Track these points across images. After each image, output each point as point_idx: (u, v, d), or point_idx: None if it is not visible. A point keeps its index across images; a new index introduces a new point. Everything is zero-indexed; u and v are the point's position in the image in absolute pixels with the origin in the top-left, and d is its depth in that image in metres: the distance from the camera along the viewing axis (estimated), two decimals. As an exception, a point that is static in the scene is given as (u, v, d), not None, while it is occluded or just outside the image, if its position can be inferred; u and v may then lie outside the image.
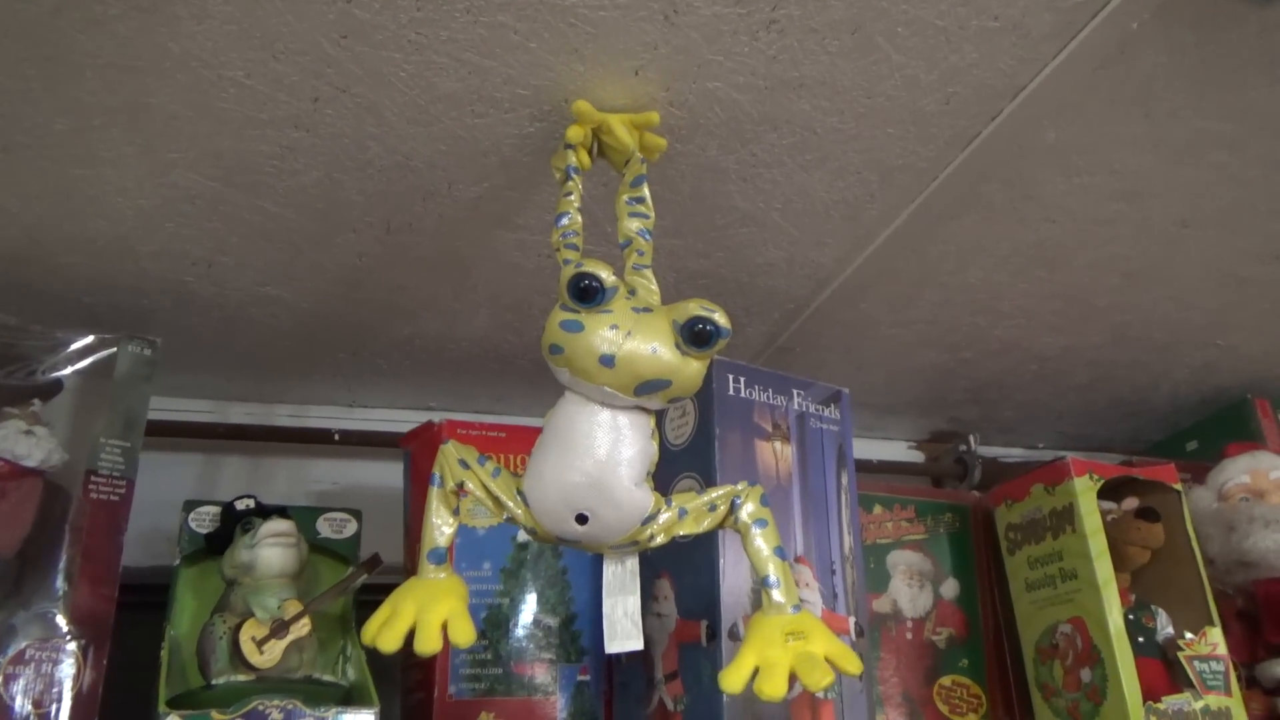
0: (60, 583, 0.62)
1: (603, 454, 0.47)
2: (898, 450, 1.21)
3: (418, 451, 0.80)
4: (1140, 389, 1.08)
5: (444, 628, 0.48)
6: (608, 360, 0.46)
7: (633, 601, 0.50)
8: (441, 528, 0.50)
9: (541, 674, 0.74)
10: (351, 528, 0.75)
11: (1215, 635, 0.82)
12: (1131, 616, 0.83)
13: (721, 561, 0.66)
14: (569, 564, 0.77)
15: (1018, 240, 0.78)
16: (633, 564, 0.51)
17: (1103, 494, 0.85)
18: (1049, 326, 0.93)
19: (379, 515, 0.83)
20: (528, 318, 0.84)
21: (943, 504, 0.98)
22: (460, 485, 0.50)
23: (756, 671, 0.47)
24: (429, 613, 0.47)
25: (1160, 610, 0.85)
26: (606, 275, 0.47)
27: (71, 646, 0.60)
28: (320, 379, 0.95)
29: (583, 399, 0.48)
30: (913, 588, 0.94)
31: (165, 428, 0.89)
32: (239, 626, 0.62)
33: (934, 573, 0.95)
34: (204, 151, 0.62)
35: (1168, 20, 0.56)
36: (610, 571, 0.50)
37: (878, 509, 0.95)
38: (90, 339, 0.68)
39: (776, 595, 0.48)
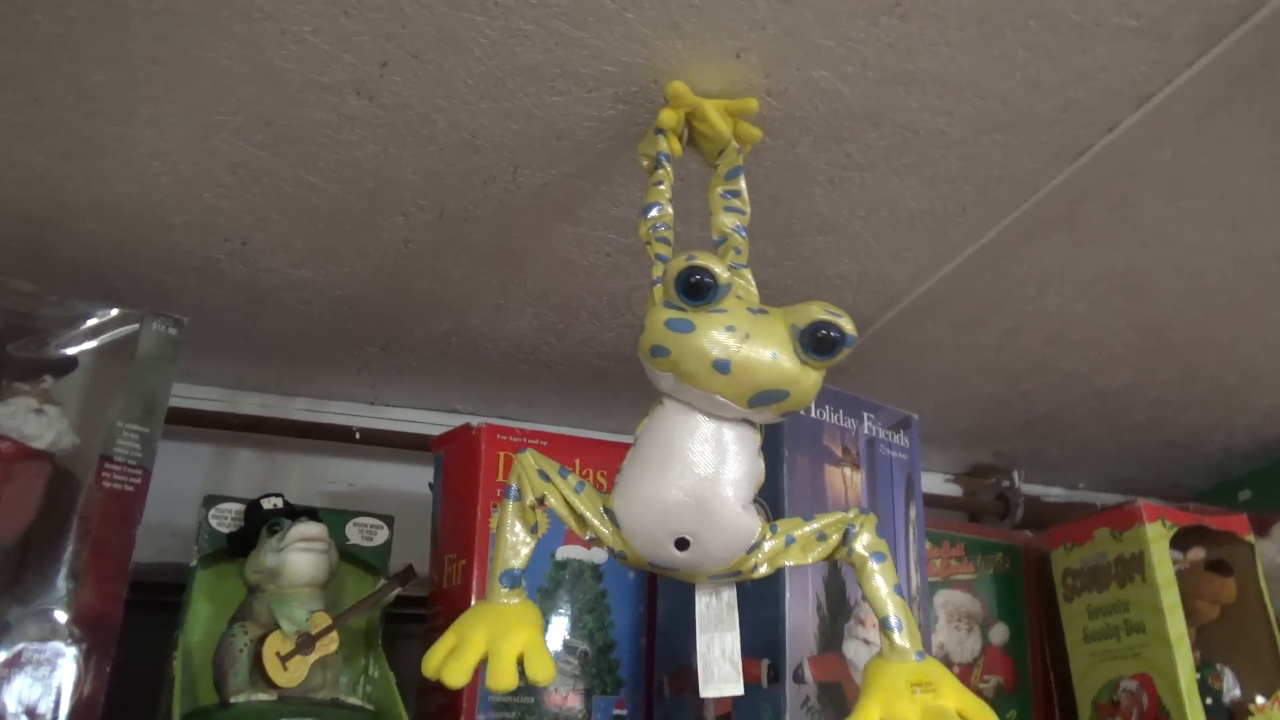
0: (64, 578, 0.56)
1: (707, 471, 0.41)
2: (934, 482, 1.16)
3: (451, 455, 0.75)
4: (1196, 432, 1.04)
5: (520, 661, 0.42)
6: (722, 365, 0.40)
7: (731, 639, 0.44)
8: (518, 546, 0.43)
9: (574, 705, 0.68)
10: (383, 535, 0.69)
11: (1290, 699, 0.77)
12: (1198, 676, 0.78)
13: (786, 595, 0.61)
14: (609, 587, 0.72)
15: (1106, 264, 0.73)
16: (730, 596, 0.45)
17: (1166, 542, 0.81)
18: (1118, 360, 0.88)
19: (398, 521, 0.77)
20: (574, 319, 0.79)
21: (993, 543, 0.93)
22: (541, 499, 0.44)
23: None
24: (503, 643, 0.41)
25: (1227, 670, 0.80)
26: (720, 270, 0.41)
27: (73, 650, 0.55)
28: (344, 373, 0.89)
29: (685, 408, 0.42)
30: (960, 631, 0.88)
31: (176, 414, 0.83)
32: (263, 639, 0.56)
33: (983, 616, 0.89)
34: (253, 115, 0.57)
35: (1321, 32, 0.52)
36: (704, 604, 0.44)
37: (926, 545, 0.89)
38: (113, 313, 0.62)
39: (899, 639, 0.43)
